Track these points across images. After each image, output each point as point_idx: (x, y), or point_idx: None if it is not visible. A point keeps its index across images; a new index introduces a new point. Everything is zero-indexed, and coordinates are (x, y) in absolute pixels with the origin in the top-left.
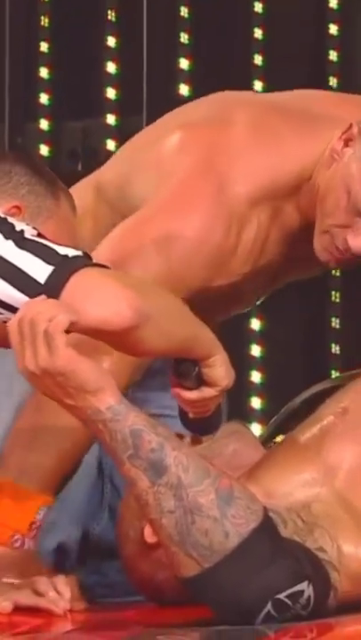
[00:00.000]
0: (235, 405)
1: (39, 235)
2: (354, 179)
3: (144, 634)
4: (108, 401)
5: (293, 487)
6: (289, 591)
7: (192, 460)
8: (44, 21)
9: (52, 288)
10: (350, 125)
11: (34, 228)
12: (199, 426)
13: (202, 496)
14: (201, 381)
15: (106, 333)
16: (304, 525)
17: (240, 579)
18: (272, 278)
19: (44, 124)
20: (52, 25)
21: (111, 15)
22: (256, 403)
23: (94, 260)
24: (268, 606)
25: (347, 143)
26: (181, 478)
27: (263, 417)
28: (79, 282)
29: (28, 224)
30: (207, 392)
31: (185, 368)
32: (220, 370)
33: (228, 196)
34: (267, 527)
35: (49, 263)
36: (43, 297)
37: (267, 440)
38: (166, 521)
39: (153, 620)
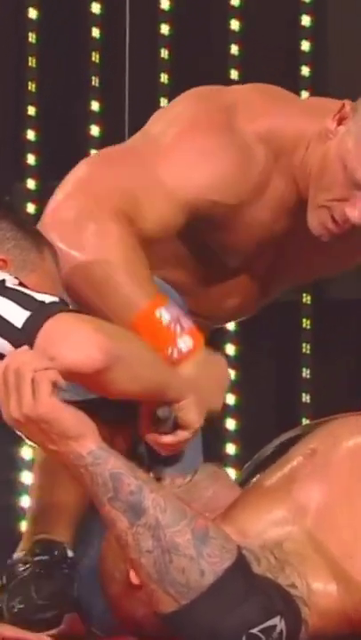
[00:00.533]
0: (211, 451)
1: (20, 284)
2: (350, 153)
3: None
4: (89, 446)
5: (266, 526)
6: (262, 626)
7: (169, 501)
8: (31, 86)
9: (29, 332)
10: (343, 105)
11: (15, 278)
12: (166, 460)
13: (179, 536)
14: (175, 425)
15: (79, 376)
16: (276, 563)
17: (216, 614)
18: (272, 264)
19: (30, 184)
20: (38, 89)
21: (95, 81)
22: (231, 449)
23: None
24: None
25: (340, 122)
26: (159, 519)
27: (238, 462)
28: (53, 326)
29: (10, 274)
30: (182, 435)
31: (162, 413)
32: (192, 413)
33: (238, 127)
34: (240, 565)
35: (26, 309)
36: (26, 347)
37: (241, 484)
38: (145, 560)
39: None
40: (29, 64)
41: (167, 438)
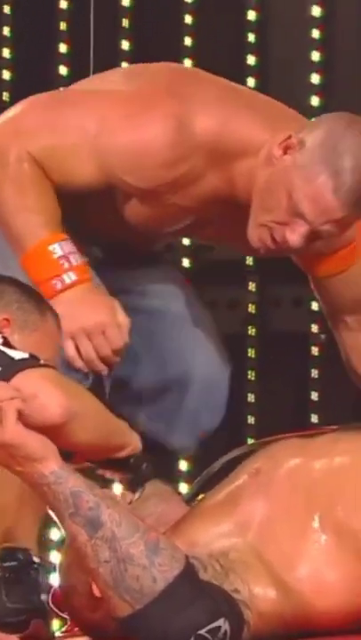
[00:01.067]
0: (165, 467)
1: (4, 342)
2: (295, 186)
3: None
4: (52, 467)
5: (213, 538)
6: (208, 627)
7: (124, 516)
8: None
9: None
10: (289, 136)
11: (2, 337)
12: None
13: (133, 547)
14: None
15: (42, 428)
16: (222, 570)
17: (166, 617)
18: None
19: None
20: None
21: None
22: (183, 465)
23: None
24: None
25: (285, 151)
26: (115, 532)
27: (189, 478)
28: (19, 382)
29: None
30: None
31: (136, 461)
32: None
33: (186, 121)
34: (188, 573)
35: None
36: None
37: (191, 498)
38: (103, 569)
39: None
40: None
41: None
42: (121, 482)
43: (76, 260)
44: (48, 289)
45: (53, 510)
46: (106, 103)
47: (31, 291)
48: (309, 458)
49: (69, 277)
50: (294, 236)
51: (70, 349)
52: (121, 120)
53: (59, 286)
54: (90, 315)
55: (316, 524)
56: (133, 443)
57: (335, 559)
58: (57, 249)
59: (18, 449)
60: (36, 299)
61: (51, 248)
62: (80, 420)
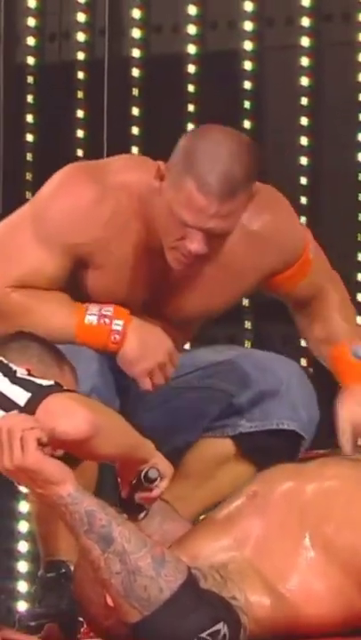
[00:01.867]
0: None
1: (29, 373)
2: (172, 202)
3: None
4: (68, 489)
5: (214, 551)
6: (209, 630)
7: (133, 533)
8: None
9: (29, 409)
10: (158, 167)
11: (26, 370)
12: (139, 507)
13: (141, 560)
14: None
15: (69, 444)
16: (221, 580)
17: (172, 622)
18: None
19: None
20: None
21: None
22: None
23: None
24: None
25: (162, 179)
26: (125, 547)
27: None
28: (48, 404)
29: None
30: (163, 484)
31: (151, 473)
32: (165, 463)
33: (101, 178)
34: (190, 582)
35: (28, 391)
36: (16, 412)
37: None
38: (115, 580)
39: None
40: None
41: (155, 492)
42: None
43: (108, 310)
44: (114, 347)
45: (70, 527)
46: (30, 211)
47: (52, 347)
48: (302, 482)
49: (118, 325)
50: (194, 244)
51: (148, 384)
52: (46, 201)
53: (118, 337)
54: (158, 350)
55: (307, 541)
56: (155, 457)
57: (323, 572)
58: (90, 318)
59: (38, 474)
60: (56, 354)
61: (87, 322)
62: (105, 435)
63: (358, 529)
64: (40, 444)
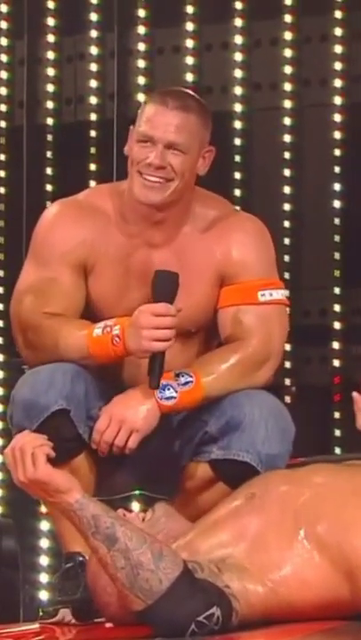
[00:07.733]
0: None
1: None
2: (136, 127)
3: None
4: (76, 497)
5: (213, 547)
6: (205, 614)
7: (134, 532)
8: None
9: None
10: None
11: None
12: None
13: (142, 556)
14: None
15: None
16: (218, 571)
17: (172, 609)
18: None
19: None
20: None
21: None
22: None
23: None
24: (193, 626)
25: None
26: (128, 545)
27: None
28: None
29: None
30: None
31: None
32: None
33: (82, 199)
34: (186, 573)
35: None
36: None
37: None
38: (120, 574)
39: (113, 635)
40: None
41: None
42: None
43: (110, 321)
44: (118, 348)
45: (79, 529)
46: (29, 252)
47: None
48: (296, 486)
49: (116, 330)
50: (152, 157)
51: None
52: (35, 235)
53: (118, 340)
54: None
55: (301, 537)
56: None
57: (315, 564)
58: (97, 331)
59: (48, 484)
60: None
61: (95, 335)
62: None
63: (346, 529)
64: (49, 458)
